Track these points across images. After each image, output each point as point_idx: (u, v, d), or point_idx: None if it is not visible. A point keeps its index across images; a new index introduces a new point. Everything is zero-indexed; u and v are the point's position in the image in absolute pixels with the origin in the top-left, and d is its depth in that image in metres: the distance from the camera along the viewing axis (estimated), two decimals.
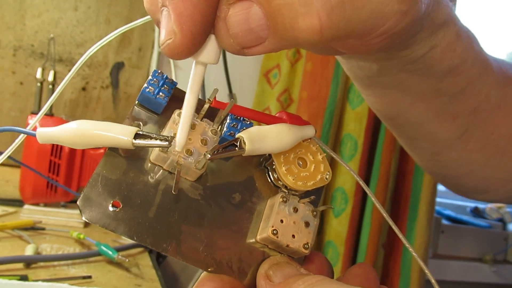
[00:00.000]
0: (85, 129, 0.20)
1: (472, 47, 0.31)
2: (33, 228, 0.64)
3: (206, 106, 0.21)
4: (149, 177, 0.21)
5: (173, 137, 0.20)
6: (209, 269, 0.21)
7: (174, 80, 0.22)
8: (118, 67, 0.99)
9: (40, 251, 0.56)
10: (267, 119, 0.22)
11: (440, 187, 1.07)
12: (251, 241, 0.22)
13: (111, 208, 0.20)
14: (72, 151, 0.75)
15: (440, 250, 1.25)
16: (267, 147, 0.21)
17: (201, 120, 0.21)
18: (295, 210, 0.22)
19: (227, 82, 1.09)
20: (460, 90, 0.32)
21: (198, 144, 0.21)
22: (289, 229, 0.21)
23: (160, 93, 0.22)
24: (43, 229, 0.65)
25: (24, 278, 0.45)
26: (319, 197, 0.24)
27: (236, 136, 0.20)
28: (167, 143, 0.19)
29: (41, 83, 0.79)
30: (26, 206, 0.75)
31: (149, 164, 0.21)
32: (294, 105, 1.06)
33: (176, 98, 0.22)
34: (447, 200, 1.41)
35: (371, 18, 0.20)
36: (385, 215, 0.22)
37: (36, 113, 0.76)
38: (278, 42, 0.19)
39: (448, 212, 1.36)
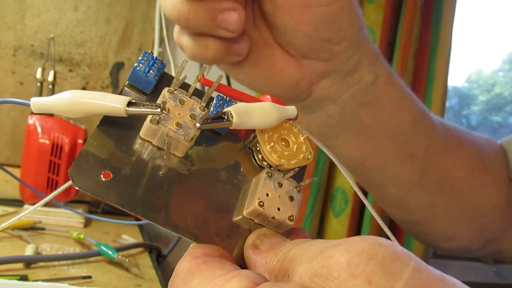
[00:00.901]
0: (79, 97, 0.20)
1: (406, 88, 0.36)
2: (33, 228, 0.64)
3: (195, 83, 0.22)
4: (139, 151, 0.22)
5: (165, 103, 0.20)
6: (198, 240, 0.21)
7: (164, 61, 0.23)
8: (118, 67, 0.98)
9: (40, 251, 0.56)
10: (252, 100, 0.24)
11: None
12: (237, 218, 0.23)
13: (102, 179, 0.20)
14: (72, 151, 0.75)
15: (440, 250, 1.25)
16: (253, 121, 0.22)
17: (189, 98, 0.22)
18: (280, 185, 0.22)
19: (227, 82, 1.09)
20: (410, 127, 0.37)
21: (187, 118, 0.21)
22: (275, 202, 0.22)
23: (151, 71, 0.22)
24: (43, 229, 0.65)
25: (24, 278, 0.45)
26: (302, 175, 0.25)
27: (224, 110, 0.21)
28: (159, 110, 0.20)
29: (41, 83, 0.79)
30: (26, 206, 0.75)
31: (139, 141, 0.22)
32: None
33: (165, 79, 0.24)
34: None
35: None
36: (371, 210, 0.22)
37: (36, 113, 0.76)
38: None
39: None
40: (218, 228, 0.22)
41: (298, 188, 0.23)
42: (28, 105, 0.21)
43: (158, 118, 0.20)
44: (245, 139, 0.25)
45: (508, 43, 1.57)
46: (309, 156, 0.24)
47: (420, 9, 0.99)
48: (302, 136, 0.24)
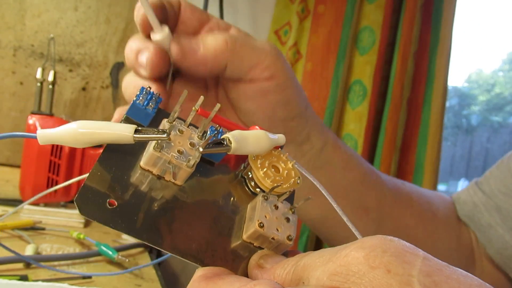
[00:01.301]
0: (86, 128, 0.21)
1: (350, 150, 0.42)
2: (33, 228, 0.64)
3: (193, 113, 0.23)
4: (141, 180, 0.23)
5: (171, 128, 0.22)
6: (203, 264, 0.22)
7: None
8: (118, 67, 0.98)
9: (40, 251, 0.56)
10: (243, 129, 0.25)
11: (440, 187, 1.07)
12: (236, 243, 0.24)
13: (107, 206, 0.21)
14: (72, 151, 0.75)
15: None
16: (248, 147, 0.23)
17: (187, 127, 0.24)
18: (276, 207, 0.24)
19: None
20: (360, 183, 0.42)
21: (187, 146, 0.23)
22: (273, 223, 0.23)
23: (150, 104, 0.24)
24: (43, 229, 0.65)
25: (24, 278, 0.45)
26: (293, 197, 0.27)
27: (223, 136, 0.23)
28: (165, 135, 0.21)
29: (41, 83, 0.79)
30: (26, 206, 0.75)
31: (139, 171, 0.23)
32: None
33: (160, 114, 0.25)
34: None
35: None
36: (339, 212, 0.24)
37: (36, 113, 0.76)
38: None
39: None
40: (221, 252, 0.23)
41: (293, 210, 0.24)
42: (35, 137, 0.22)
43: (161, 145, 0.21)
44: (236, 170, 0.26)
45: (508, 43, 1.57)
46: (298, 181, 0.25)
47: (420, 9, 0.99)
48: (290, 162, 0.26)
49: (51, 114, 0.77)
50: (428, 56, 1.01)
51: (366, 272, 0.16)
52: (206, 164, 0.25)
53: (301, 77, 1.03)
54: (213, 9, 1.05)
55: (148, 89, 0.24)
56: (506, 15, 1.48)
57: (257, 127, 0.26)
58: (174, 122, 0.23)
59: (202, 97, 0.23)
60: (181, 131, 0.23)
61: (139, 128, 0.21)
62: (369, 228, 0.44)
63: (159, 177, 0.23)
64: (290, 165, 0.26)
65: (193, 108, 0.23)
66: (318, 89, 0.99)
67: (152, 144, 0.21)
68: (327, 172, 0.40)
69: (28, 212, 0.72)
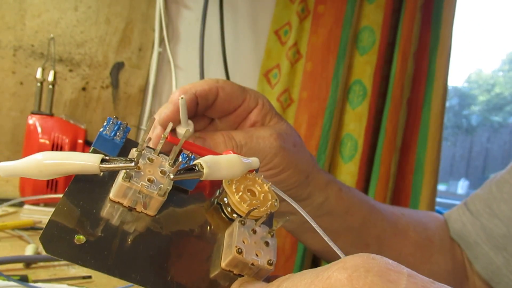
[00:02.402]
0: (51, 159, 0.20)
1: (354, 196, 0.45)
2: (33, 228, 0.64)
3: (162, 141, 0.23)
4: (111, 213, 0.22)
5: (139, 156, 0.21)
6: None
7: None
8: (118, 67, 0.98)
9: (40, 251, 0.56)
10: (216, 154, 0.25)
11: (440, 187, 1.07)
12: (216, 272, 0.23)
13: (75, 242, 0.20)
14: (72, 150, 0.75)
15: None
16: (221, 172, 0.23)
17: (157, 155, 0.23)
18: (254, 231, 0.23)
19: None
20: (361, 224, 0.45)
21: (158, 175, 0.22)
22: (252, 248, 0.22)
23: (117, 134, 0.23)
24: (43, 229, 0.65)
25: (24, 278, 0.45)
26: (271, 221, 0.26)
27: (194, 162, 0.22)
28: (133, 163, 0.20)
29: (41, 83, 0.79)
30: (26, 206, 0.75)
31: (109, 204, 0.22)
32: (294, 105, 1.05)
33: (129, 144, 0.24)
34: (447, 200, 1.41)
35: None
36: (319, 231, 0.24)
37: (36, 113, 0.76)
38: None
39: None
40: (200, 283, 0.22)
41: (272, 233, 0.24)
42: None
43: (130, 174, 0.21)
44: (211, 197, 0.26)
45: (508, 43, 1.57)
46: (276, 204, 0.25)
47: (420, 9, 0.99)
48: (266, 185, 0.25)
49: (51, 114, 0.77)
50: (428, 56, 1.01)
51: None
52: (180, 193, 0.24)
53: (301, 77, 1.03)
54: (213, 9, 1.05)
55: (115, 119, 0.24)
56: (506, 15, 1.48)
57: (230, 151, 0.26)
58: (143, 151, 0.22)
59: (170, 123, 0.23)
60: (151, 160, 0.22)
61: (106, 157, 0.20)
62: None
63: (131, 209, 0.22)
64: (266, 188, 0.25)
65: (163, 135, 0.22)
66: (318, 89, 0.99)
67: (121, 175, 0.21)
68: (328, 218, 0.42)
69: (28, 212, 0.72)
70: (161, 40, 1.02)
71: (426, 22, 1.02)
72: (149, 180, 0.21)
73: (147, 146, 0.23)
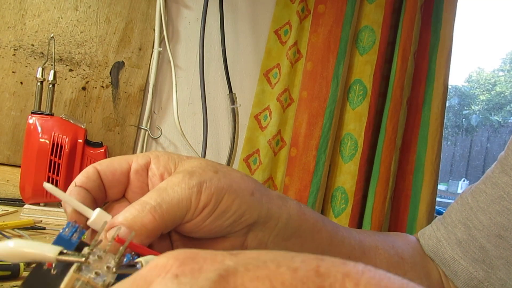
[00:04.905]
0: (19, 247, 0.25)
1: (311, 211, 0.44)
2: (33, 227, 0.64)
3: (110, 242, 0.27)
4: None
5: (90, 253, 0.25)
6: None
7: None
8: (118, 66, 0.99)
9: None
10: (157, 255, 0.28)
11: (440, 187, 1.07)
12: None
13: None
14: (72, 151, 0.75)
15: None
16: None
17: (106, 253, 0.27)
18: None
19: (227, 81, 1.09)
20: (329, 244, 0.44)
21: (105, 270, 0.26)
22: None
23: (74, 235, 0.28)
24: (43, 228, 0.65)
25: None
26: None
27: (136, 260, 0.27)
28: (83, 258, 0.25)
29: (41, 83, 0.80)
30: (26, 206, 0.75)
31: None
32: (294, 105, 1.05)
33: (84, 245, 0.29)
34: (447, 200, 1.41)
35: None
36: None
37: (36, 113, 0.76)
38: None
39: None
40: None
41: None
42: None
43: (81, 268, 0.25)
44: None
45: (508, 43, 1.57)
46: None
47: (420, 9, 0.99)
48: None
49: (51, 114, 0.77)
50: (428, 56, 1.01)
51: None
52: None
53: (301, 77, 1.03)
54: (213, 9, 1.05)
55: (74, 223, 0.28)
56: (506, 15, 1.48)
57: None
58: (94, 249, 0.26)
59: (119, 227, 0.28)
60: (100, 257, 0.26)
61: (64, 251, 0.25)
62: None
63: None
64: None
65: (112, 237, 0.27)
66: (318, 88, 0.99)
67: (72, 268, 0.24)
68: (298, 239, 0.42)
69: (28, 212, 0.72)
70: (161, 39, 1.02)
71: (426, 22, 1.02)
72: (96, 273, 0.25)
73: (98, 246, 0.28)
